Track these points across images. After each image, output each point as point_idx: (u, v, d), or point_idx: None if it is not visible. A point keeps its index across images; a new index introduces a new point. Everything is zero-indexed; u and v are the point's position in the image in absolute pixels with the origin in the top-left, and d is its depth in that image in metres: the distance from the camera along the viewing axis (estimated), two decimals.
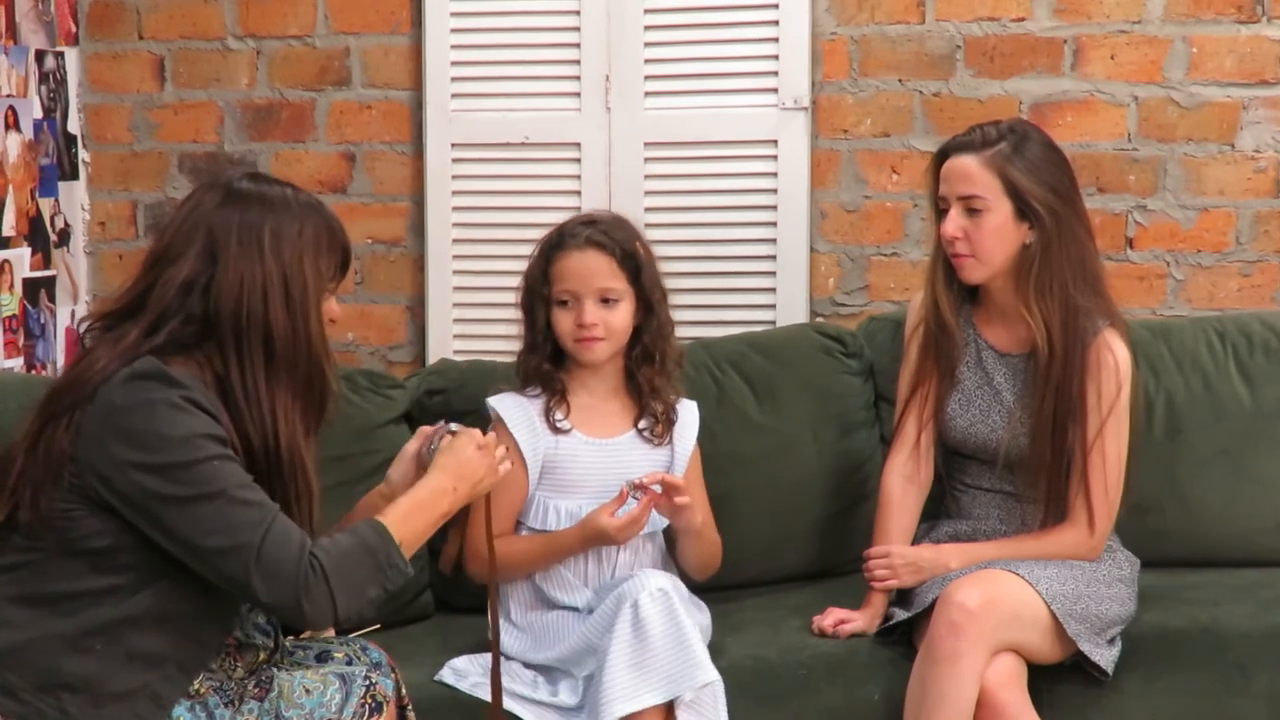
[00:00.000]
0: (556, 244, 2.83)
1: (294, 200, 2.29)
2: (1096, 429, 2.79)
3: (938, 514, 3.02)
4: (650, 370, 2.86)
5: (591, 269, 2.80)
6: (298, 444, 2.24)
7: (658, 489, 2.73)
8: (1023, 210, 2.79)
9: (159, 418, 2.12)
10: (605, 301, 2.79)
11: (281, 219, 2.26)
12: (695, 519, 2.77)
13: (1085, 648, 2.69)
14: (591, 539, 2.75)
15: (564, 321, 2.80)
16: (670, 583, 2.62)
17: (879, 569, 2.85)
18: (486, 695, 2.66)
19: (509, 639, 2.82)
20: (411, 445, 2.53)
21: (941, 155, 2.87)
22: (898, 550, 2.86)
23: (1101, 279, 2.88)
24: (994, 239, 2.79)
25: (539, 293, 2.83)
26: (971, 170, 2.80)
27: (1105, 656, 2.73)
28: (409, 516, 2.29)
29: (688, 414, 2.93)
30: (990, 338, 2.92)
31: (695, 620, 2.65)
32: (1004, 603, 2.64)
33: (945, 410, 2.92)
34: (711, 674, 2.55)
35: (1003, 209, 2.79)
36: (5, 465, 2.21)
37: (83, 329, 2.29)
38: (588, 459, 2.83)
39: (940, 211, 2.86)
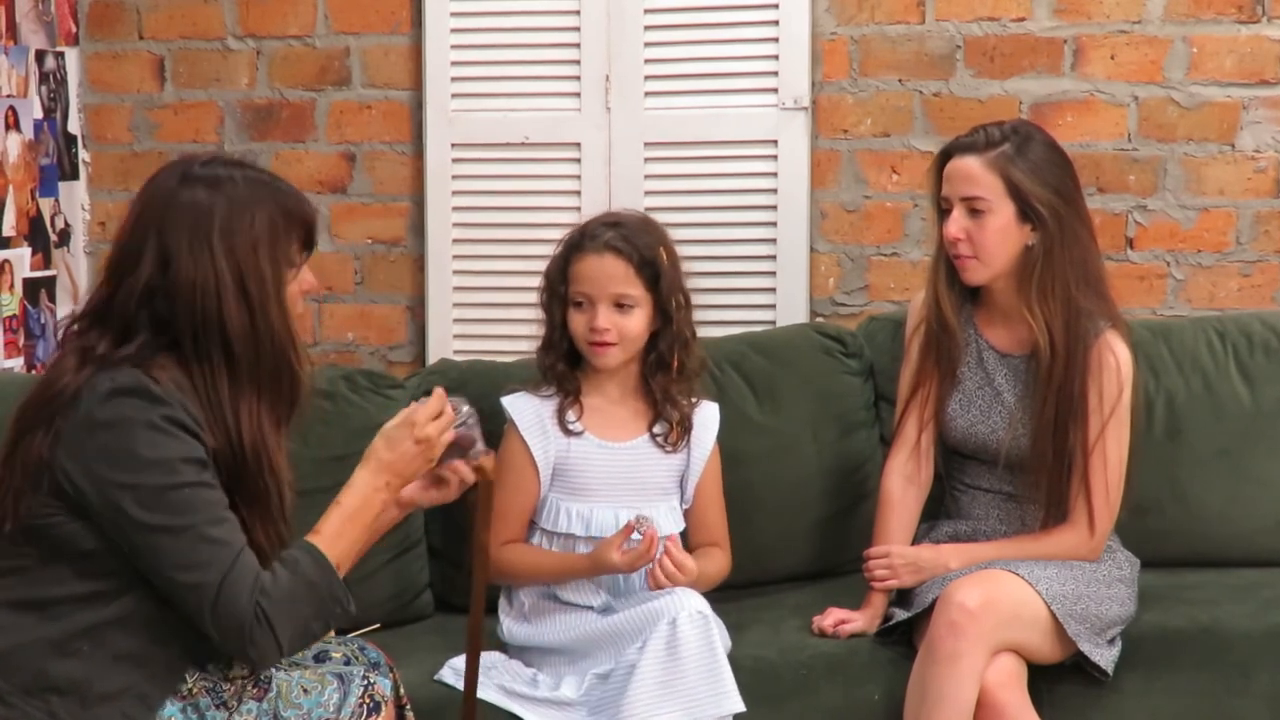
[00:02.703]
0: (577, 244, 2.81)
1: (244, 188, 2.23)
2: (1098, 431, 2.79)
3: (938, 514, 3.03)
4: (665, 378, 2.84)
5: (608, 273, 2.78)
6: (263, 441, 2.21)
7: (664, 539, 2.73)
8: (1025, 212, 2.79)
9: (137, 438, 2.11)
10: (620, 307, 2.78)
11: (232, 212, 2.20)
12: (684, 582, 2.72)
13: (1085, 648, 2.69)
14: (601, 570, 2.75)
15: (578, 323, 2.79)
16: (707, 606, 2.63)
17: (879, 569, 2.85)
18: (486, 695, 2.66)
19: (515, 630, 2.82)
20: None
21: (944, 156, 2.87)
22: (897, 550, 2.86)
23: (1104, 280, 2.88)
24: (996, 240, 2.79)
25: (556, 291, 2.82)
26: (974, 171, 2.80)
27: (1105, 657, 2.73)
28: (343, 532, 2.25)
29: (707, 417, 2.92)
30: (991, 338, 2.92)
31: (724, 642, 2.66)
32: (1004, 603, 2.64)
33: (946, 410, 2.92)
34: (737, 704, 2.54)
35: (1005, 210, 2.79)
36: None
37: (60, 334, 2.28)
38: (600, 462, 2.82)
39: (943, 212, 2.86)
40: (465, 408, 2.43)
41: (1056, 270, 2.79)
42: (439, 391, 2.35)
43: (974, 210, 2.80)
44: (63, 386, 2.17)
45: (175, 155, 3.79)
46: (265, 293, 2.21)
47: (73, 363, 2.19)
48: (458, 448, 2.43)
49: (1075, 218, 2.82)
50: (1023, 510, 2.89)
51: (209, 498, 2.14)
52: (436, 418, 2.32)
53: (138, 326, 2.19)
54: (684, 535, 2.89)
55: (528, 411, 2.83)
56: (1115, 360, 2.80)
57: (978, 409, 2.90)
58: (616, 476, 2.82)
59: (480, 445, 2.45)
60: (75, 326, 2.26)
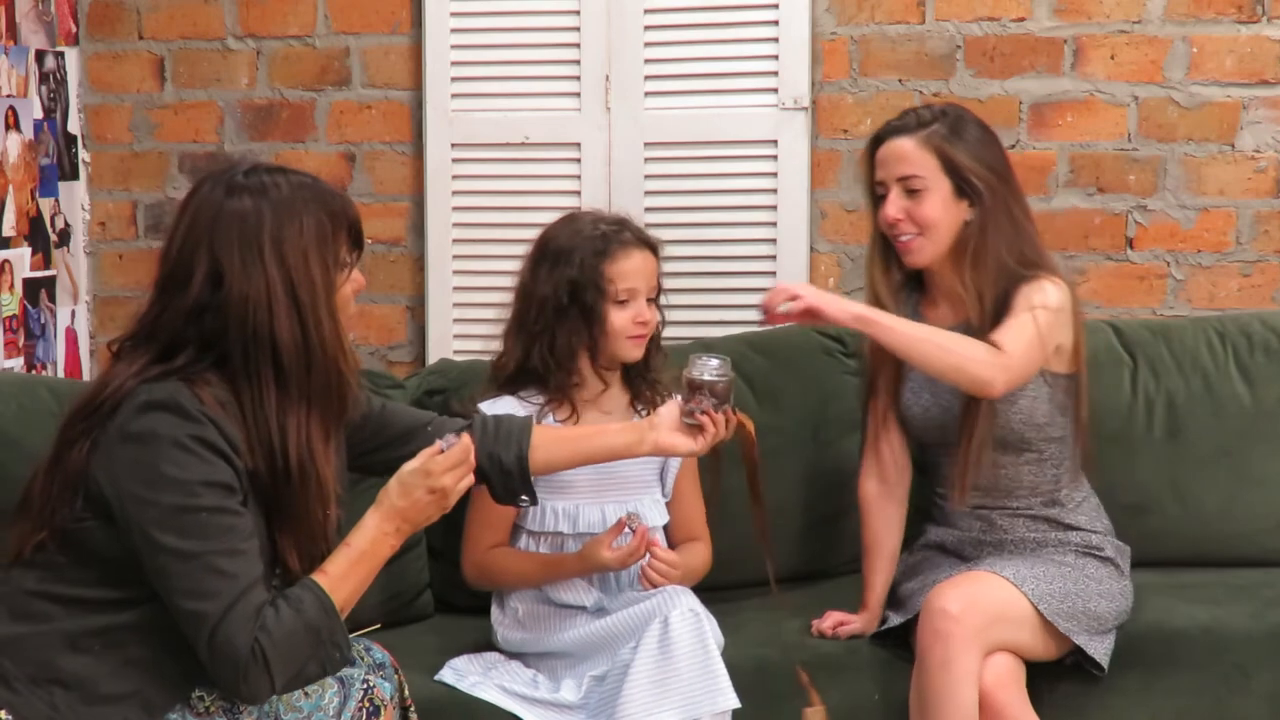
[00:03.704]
0: (601, 249, 2.80)
1: (289, 194, 2.23)
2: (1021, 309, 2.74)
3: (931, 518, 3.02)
4: (658, 362, 2.88)
5: (650, 269, 2.84)
6: (310, 457, 2.20)
7: (653, 535, 2.77)
8: (961, 187, 2.79)
9: (163, 455, 2.11)
10: (648, 301, 2.84)
11: (280, 220, 2.20)
12: (675, 579, 2.75)
13: (1081, 641, 2.69)
14: (591, 569, 2.77)
15: (620, 319, 2.80)
16: (699, 604, 2.63)
17: (779, 297, 2.71)
18: (486, 695, 2.67)
19: (510, 636, 2.82)
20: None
21: (875, 141, 2.87)
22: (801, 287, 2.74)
23: (1043, 254, 2.85)
24: (938, 214, 2.79)
25: (599, 289, 2.79)
26: (908, 150, 2.80)
27: (1099, 650, 2.72)
28: (349, 575, 2.24)
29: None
30: (933, 320, 2.88)
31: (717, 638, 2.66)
32: (987, 604, 2.63)
33: (902, 404, 2.92)
34: (732, 700, 2.55)
35: (942, 186, 2.79)
36: (29, 493, 2.23)
37: (112, 349, 2.28)
38: None
39: (878, 199, 2.86)
40: (713, 359, 2.54)
41: (990, 244, 2.78)
42: (465, 442, 2.31)
43: (910, 190, 2.80)
44: (105, 398, 2.18)
45: (175, 155, 3.84)
46: (317, 301, 2.20)
47: (118, 373, 2.20)
48: (714, 396, 2.52)
49: (1009, 193, 2.82)
50: (1006, 520, 2.87)
51: (227, 525, 2.13)
52: (456, 467, 2.28)
53: (184, 343, 2.19)
54: (666, 529, 2.91)
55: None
56: (1041, 283, 2.76)
57: (929, 393, 2.89)
58: (599, 473, 2.81)
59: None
60: (128, 343, 2.25)
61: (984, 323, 2.76)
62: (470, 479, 2.32)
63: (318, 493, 2.22)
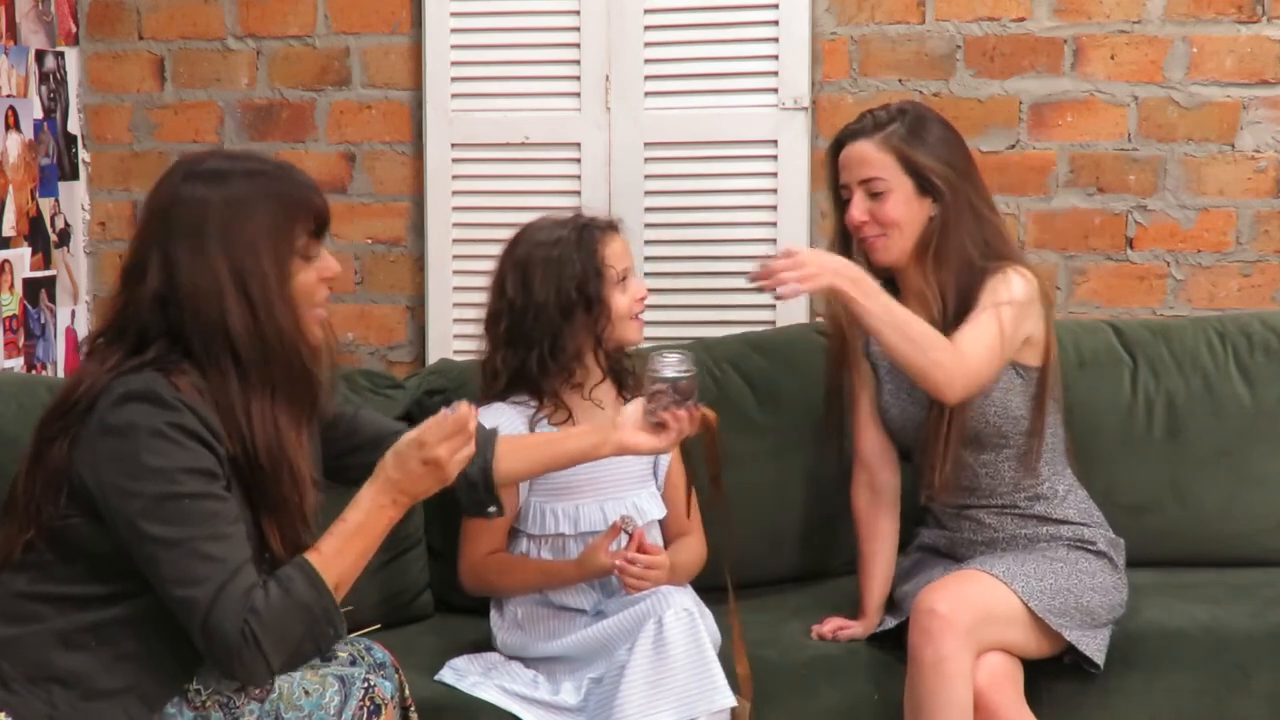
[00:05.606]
0: (587, 240, 2.81)
1: (243, 185, 2.21)
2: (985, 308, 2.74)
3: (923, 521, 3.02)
4: (632, 365, 2.88)
5: (628, 247, 2.86)
6: (279, 445, 2.20)
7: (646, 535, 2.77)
8: (923, 185, 2.81)
9: (142, 444, 2.10)
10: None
11: (229, 213, 2.18)
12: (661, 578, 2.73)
13: (1073, 636, 2.69)
14: (590, 575, 2.76)
15: (622, 301, 2.81)
16: (695, 603, 2.63)
17: (785, 270, 2.63)
18: (486, 695, 2.66)
19: (508, 639, 2.82)
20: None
21: (837, 146, 2.89)
22: (800, 250, 2.70)
23: (1009, 247, 2.86)
24: (901, 212, 2.80)
25: (599, 274, 2.79)
26: (868, 153, 2.82)
27: (1091, 646, 2.72)
28: (343, 551, 2.21)
29: None
30: None
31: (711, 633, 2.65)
32: (976, 603, 2.63)
33: (882, 407, 2.93)
34: (728, 699, 2.55)
35: (904, 186, 2.81)
36: (13, 494, 2.23)
37: (85, 350, 2.28)
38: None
39: (843, 203, 2.87)
40: (674, 356, 2.51)
41: (953, 239, 2.79)
42: (461, 412, 2.26)
43: (873, 192, 2.82)
44: (81, 393, 2.18)
45: (175, 155, 3.82)
46: (268, 292, 2.19)
47: (91, 371, 2.20)
48: (678, 395, 2.49)
49: (971, 189, 2.83)
50: (999, 521, 2.88)
51: (211, 510, 2.13)
52: (451, 437, 2.25)
53: (153, 334, 2.19)
54: (661, 523, 2.91)
55: (502, 422, 2.80)
56: (1007, 274, 2.77)
57: (906, 393, 2.90)
58: (596, 470, 2.80)
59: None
60: (96, 341, 2.25)
61: (947, 319, 2.77)
62: (471, 449, 2.28)
63: (291, 479, 2.21)
